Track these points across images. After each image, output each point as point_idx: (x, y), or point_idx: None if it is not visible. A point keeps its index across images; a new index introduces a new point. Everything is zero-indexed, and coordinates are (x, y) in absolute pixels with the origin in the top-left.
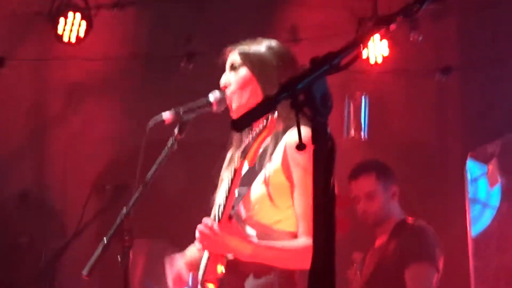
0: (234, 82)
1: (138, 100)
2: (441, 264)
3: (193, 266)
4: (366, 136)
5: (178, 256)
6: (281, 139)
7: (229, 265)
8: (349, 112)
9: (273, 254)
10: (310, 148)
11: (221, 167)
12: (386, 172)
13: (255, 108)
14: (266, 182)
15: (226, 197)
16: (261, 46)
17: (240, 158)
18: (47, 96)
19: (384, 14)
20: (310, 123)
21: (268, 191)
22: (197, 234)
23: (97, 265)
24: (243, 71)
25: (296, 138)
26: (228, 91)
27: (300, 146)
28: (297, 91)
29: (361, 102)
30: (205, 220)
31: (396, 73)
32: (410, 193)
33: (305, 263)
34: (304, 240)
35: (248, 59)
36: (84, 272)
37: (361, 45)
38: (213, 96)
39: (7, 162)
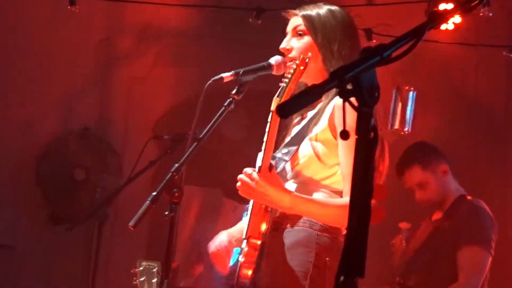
0: (297, 49)
1: (205, 49)
2: (494, 247)
3: (237, 242)
4: (409, 130)
5: (223, 232)
6: (331, 101)
7: (273, 221)
8: (395, 106)
9: (313, 207)
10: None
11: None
12: (430, 157)
13: (302, 95)
14: (314, 139)
15: (265, 145)
16: (327, 15)
17: (277, 98)
18: (117, 36)
19: (439, 10)
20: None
21: (315, 148)
22: (238, 183)
23: (144, 217)
24: (307, 39)
25: None
26: (294, 55)
27: (344, 134)
28: (345, 80)
29: (408, 96)
30: (246, 169)
31: (465, 44)
32: (470, 170)
33: (345, 222)
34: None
35: (313, 28)
36: (131, 223)
37: (414, 39)
38: (274, 59)
39: (72, 97)
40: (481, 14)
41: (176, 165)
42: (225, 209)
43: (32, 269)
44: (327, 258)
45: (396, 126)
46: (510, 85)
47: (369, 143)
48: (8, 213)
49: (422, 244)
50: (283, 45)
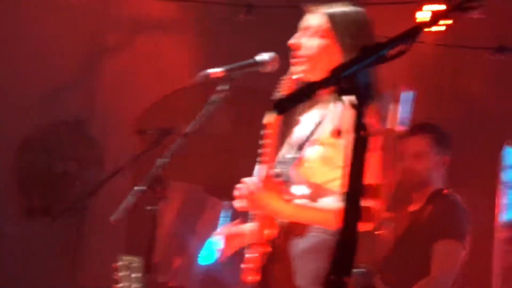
0: (316, 47)
1: (191, 44)
2: (469, 242)
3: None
4: (403, 130)
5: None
6: (333, 101)
7: (284, 227)
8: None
9: (314, 214)
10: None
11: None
12: (444, 141)
13: (298, 92)
14: (320, 143)
15: (263, 154)
16: (349, 14)
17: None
18: (104, 29)
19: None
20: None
21: (322, 151)
22: (236, 192)
23: (126, 212)
24: (328, 41)
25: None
26: (302, 53)
27: (336, 133)
28: (342, 79)
29: (403, 96)
30: (244, 179)
31: (450, 46)
32: (458, 165)
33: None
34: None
35: (339, 30)
36: (112, 218)
37: (411, 38)
38: (262, 56)
39: (55, 89)
40: (474, 17)
41: (161, 160)
42: (206, 206)
43: (9, 262)
44: None
45: (388, 125)
46: (489, 89)
47: (362, 142)
48: None
49: (399, 238)
50: (294, 41)
